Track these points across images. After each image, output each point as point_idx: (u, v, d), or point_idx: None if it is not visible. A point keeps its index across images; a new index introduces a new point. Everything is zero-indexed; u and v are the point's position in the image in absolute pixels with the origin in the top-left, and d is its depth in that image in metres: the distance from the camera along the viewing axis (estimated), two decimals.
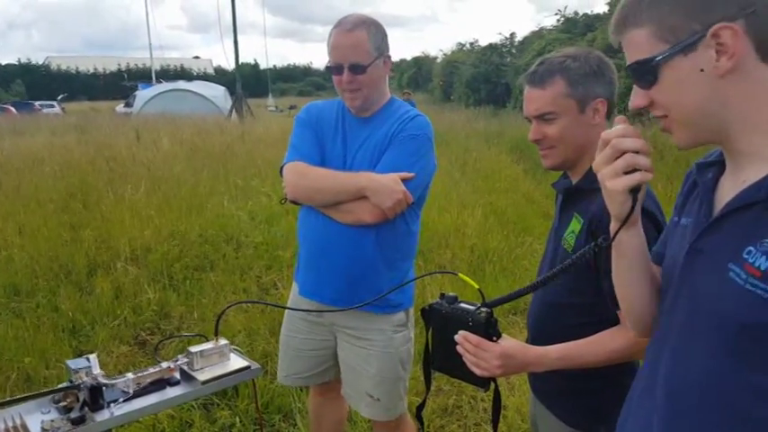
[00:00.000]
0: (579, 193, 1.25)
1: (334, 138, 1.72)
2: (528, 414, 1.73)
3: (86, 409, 1.12)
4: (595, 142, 0.83)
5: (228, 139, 10.63)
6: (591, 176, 1.05)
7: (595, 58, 1.22)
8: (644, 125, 7.64)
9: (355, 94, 1.64)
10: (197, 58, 57.52)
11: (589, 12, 21.16)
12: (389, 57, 1.72)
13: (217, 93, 22.40)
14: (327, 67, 1.68)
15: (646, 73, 0.75)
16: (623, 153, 0.77)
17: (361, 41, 1.61)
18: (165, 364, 1.30)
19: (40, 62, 49.27)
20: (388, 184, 1.57)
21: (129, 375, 1.24)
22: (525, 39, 22.61)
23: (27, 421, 1.11)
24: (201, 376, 1.29)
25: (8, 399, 1.19)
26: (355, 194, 1.59)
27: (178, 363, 1.32)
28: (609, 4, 15.12)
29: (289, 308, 1.83)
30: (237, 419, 2.64)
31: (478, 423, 2.70)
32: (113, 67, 46.77)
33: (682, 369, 0.76)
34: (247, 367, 1.34)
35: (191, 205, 5.96)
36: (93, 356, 1.27)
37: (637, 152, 0.76)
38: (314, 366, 1.87)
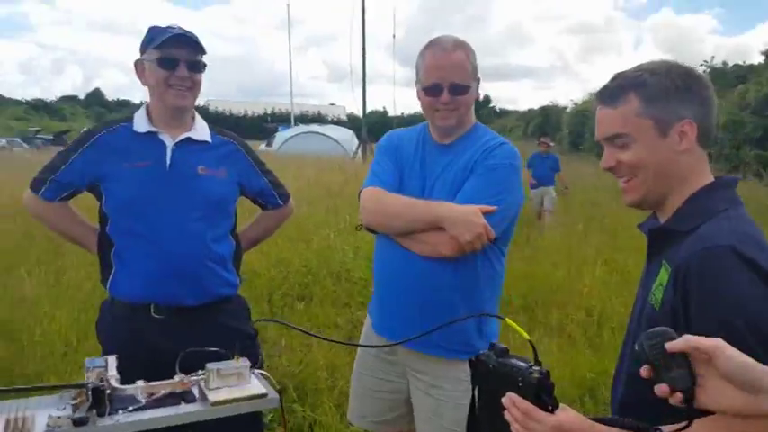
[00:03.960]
0: (668, 236, 1.02)
1: (413, 165, 1.66)
2: None
3: (93, 411, 1.07)
4: (685, 172, 0.88)
5: (346, 177, 11.01)
6: (682, 215, 0.97)
7: (681, 73, 1.03)
8: None
9: (452, 113, 1.59)
10: (332, 105, 61.56)
11: (741, 62, 19.34)
12: (479, 79, 1.66)
13: (345, 136, 23.97)
14: (423, 89, 1.61)
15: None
16: None
17: (462, 62, 1.58)
18: (178, 378, 1.23)
19: (202, 104, 55.93)
20: (467, 216, 1.47)
21: (140, 383, 1.19)
22: None
23: (36, 414, 1.08)
24: (213, 396, 1.19)
25: (17, 387, 1.19)
26: (432, 224, 1.51)
27: (194, 378, 1.24)
28: (765, 53, 13.59)
29: (324, 338, 1.75)
30: None
31: None
32: (260, 111, 51.43)
33: None
34: (263, 395, 1.22)
35: (299, 235, 6.14)
36: (112, 358, 1.23)
37: None
38: (385, 411, 1.75)
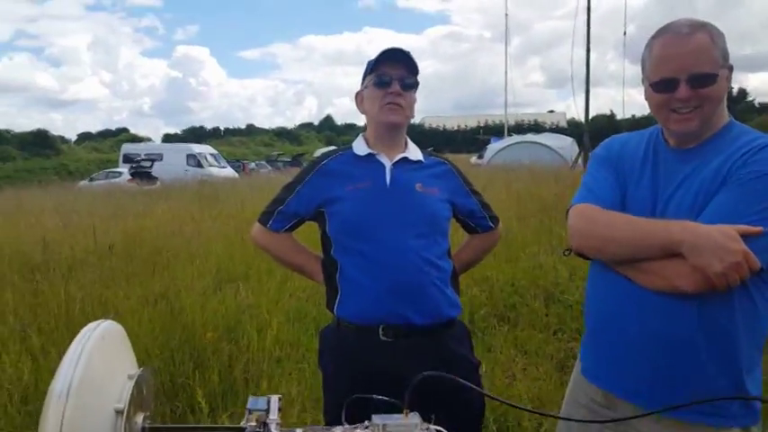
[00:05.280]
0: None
1: (641, 177, 1.40)
2: None
3: None
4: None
5: (562, 189, 10.12)
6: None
7: None
8: None
9: (693, 113, 1.29)
10: (551, 112, 58.98)
11: None
12: (732, 68, 1.35)
13: (563, 143, 22.62)
14: (652, 85, 1.35)
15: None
16: None
17: (703, 46, 1.29)
18: (338, 429, 1.06)
19: (417, 122, 59.61)
20: (718, 240, 1.17)
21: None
22: None
23: None
24: None
25: (181, 426, 1.17)
26: (665, 250, 1.23)
27: (356, 429, 1.06)
28: None
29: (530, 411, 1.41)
30: None
31: None
32: (473, 124, 52.04)
33: None
34: None
35: (506, 253, 5.72)
36: (275, 399, 1.11)
37: None
38: None
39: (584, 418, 1.46)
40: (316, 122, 72.85)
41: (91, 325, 0.98)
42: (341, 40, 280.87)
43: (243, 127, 68.36)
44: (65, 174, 30.93)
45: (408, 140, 1.81)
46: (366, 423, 1.07)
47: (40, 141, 40.59)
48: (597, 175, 1.47)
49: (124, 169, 21.43)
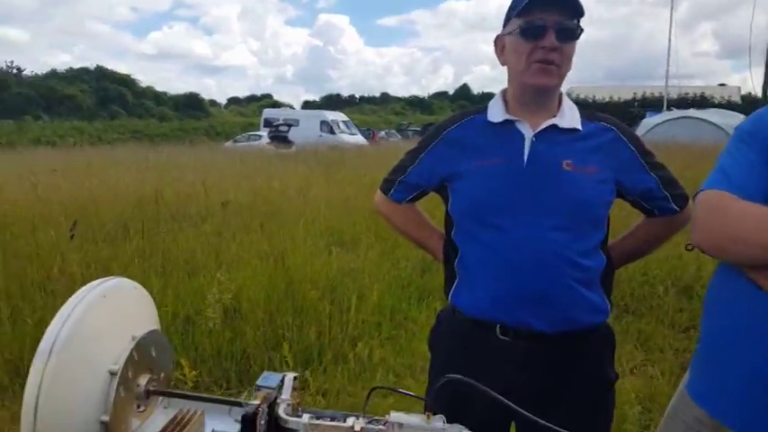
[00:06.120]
0: None
1: None
2: None
3: None
4: None
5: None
6: None
7: None
8: None
9: None
10: (722, 85, 51.97)
11: None
12: None
13: (733, 121, 19.71)
14: None
15: None
16: None
17: None
18: (350, 421, 0.96)
19: (565, 91, 56.02)
20: None
21: (306, 418, 0.97)
22: None
23: (208, 420, 1.03)
24: None
25: (184, 393, 1.10)
26: None
27: (369, 426, 0.97)
28: None
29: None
30: None
31: None
32: (628, 96, 47.63)
33: None
34: None
35: None
36: (289, 377, 1.02)
37: None
38: None
39: None
40: (451, 91, 71.71)
41: (93, 283, 0.94)
42: (482, 3, 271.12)
43: (377, 95, 69.75)
44: (213, 134, 34.18)
45: (564, 101, 1.45)
46: (384, 419, 0.96)
47: (192, 104, 45.24)
48: (738, 155, 1.19)
49: (264, 133, 22.89)
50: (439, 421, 0.92)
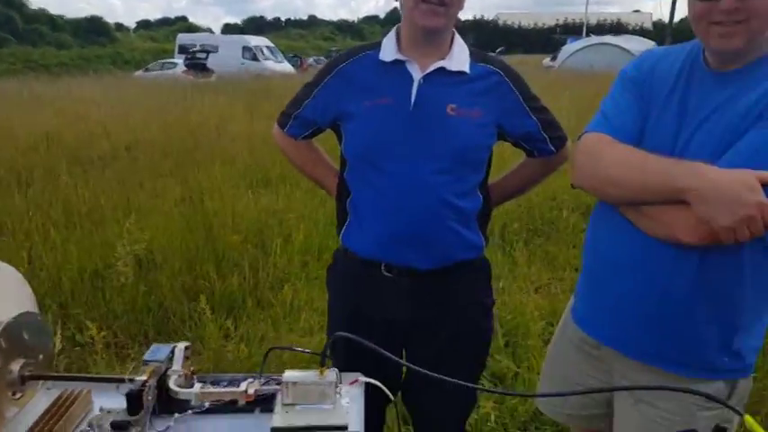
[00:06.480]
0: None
1: (667, 103, 1.24)
2: None
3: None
4: None
5: None
6: None
7: None
8: None
9: (737, 28, 1.12)
10: (636, 12, 53.57)
11: None
12: None
13: (643, 48, 20.48)
14: None
15: None
16: None
17: None
18: (244, 385, 1.01)
19: (492, 17, 56.14)
20: (730, 189, 1.06)
21: (198, 388, 1.00)
22: None
23: (95, 399, 1.02)
24: (277, 419, 0.94)
25: (65, 375, 1.14)
26: (670, 196, 1.13)
27: (264, 388, 1.02)
28: None
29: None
30: None
31: None
32: (551, 23, 48.23)
33: None
34: (343, 427, 0.93)
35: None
36: (180, 347, 1.04)
37: None
38: (578, 408, 1.49)
39: (574, 359, 1.43)
40: (382, 15, 69.58)
41: None
42: None
43: (305, 18, 66.43)
44: (121, 63, 31.46)
45: (456, 41, 1.46)
46: (279, 377, 1.01)
47: (94, 28, 40.84)
48: (620, 99, 1.30)
49: (179, 60, 21.38)
50: (332, 375, 0.98)
